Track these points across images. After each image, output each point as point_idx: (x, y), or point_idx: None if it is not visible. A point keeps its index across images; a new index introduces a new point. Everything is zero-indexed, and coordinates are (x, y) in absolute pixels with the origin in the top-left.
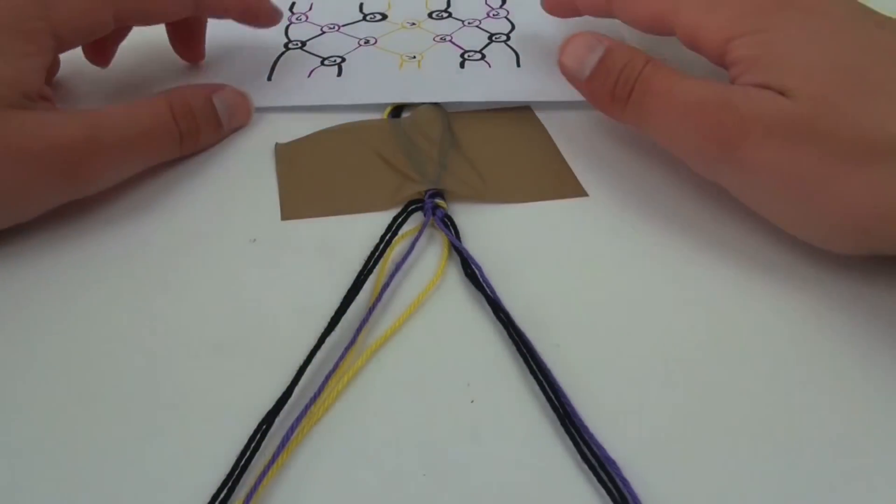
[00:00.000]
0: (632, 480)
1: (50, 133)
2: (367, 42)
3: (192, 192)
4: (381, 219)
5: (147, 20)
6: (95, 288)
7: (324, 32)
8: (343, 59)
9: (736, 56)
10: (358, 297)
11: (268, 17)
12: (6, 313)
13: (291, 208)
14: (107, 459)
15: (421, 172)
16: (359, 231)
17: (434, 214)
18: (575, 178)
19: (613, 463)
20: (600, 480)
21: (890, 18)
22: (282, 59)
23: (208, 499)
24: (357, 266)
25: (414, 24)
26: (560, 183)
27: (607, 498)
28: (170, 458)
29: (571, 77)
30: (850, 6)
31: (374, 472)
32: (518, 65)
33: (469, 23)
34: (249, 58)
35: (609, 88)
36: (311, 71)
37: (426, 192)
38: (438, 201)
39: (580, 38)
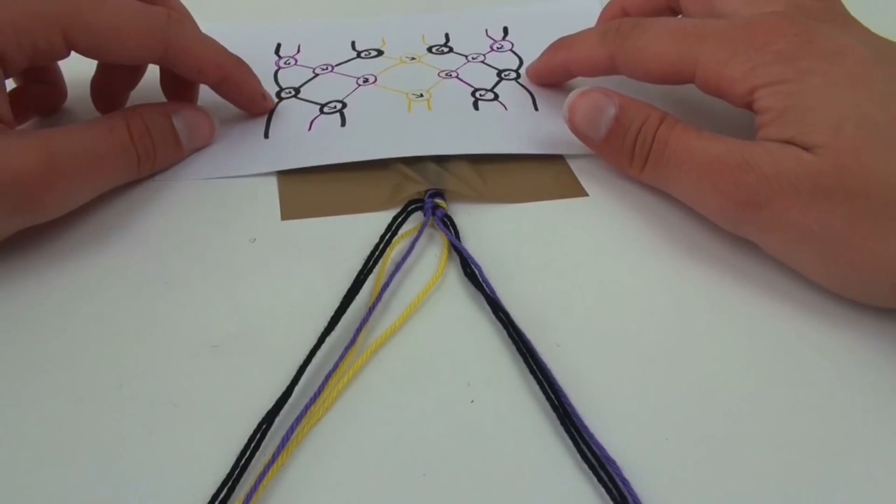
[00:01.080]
0: (632, 480)
1: (3, 161)
2: (366, 81)
3: (192, 192)
4: (381, 219)
5: (106, 56)
6: (95, 288)
7: (317, 75)
8: (344, 104)
9: (762, 106)
10: (358, 297)
11: (251, 96)
12: (9, 314)
13: (291, 208)
14: (107, 459)
15: (421, 172)
16: (359, 231)
17: (434, 214)
18: (575, 178)
19: (613, 463)
20: (600, 480)
21: None
22: (276, 110)
23: (208, 499)
24: (357, 266)
25: (414, 58)
26: (560, 183)
27: (607, 498)
28: (170, 458)
29: (585, 139)
30: (875, 44)
31: (374, 472)
32: (535, 107)
33: (473, 58)
34: (242, 112)
35: (627, 150)
36: (312, 122)
37: (426, 191)
38: (438, 201)
39: (589, 96)
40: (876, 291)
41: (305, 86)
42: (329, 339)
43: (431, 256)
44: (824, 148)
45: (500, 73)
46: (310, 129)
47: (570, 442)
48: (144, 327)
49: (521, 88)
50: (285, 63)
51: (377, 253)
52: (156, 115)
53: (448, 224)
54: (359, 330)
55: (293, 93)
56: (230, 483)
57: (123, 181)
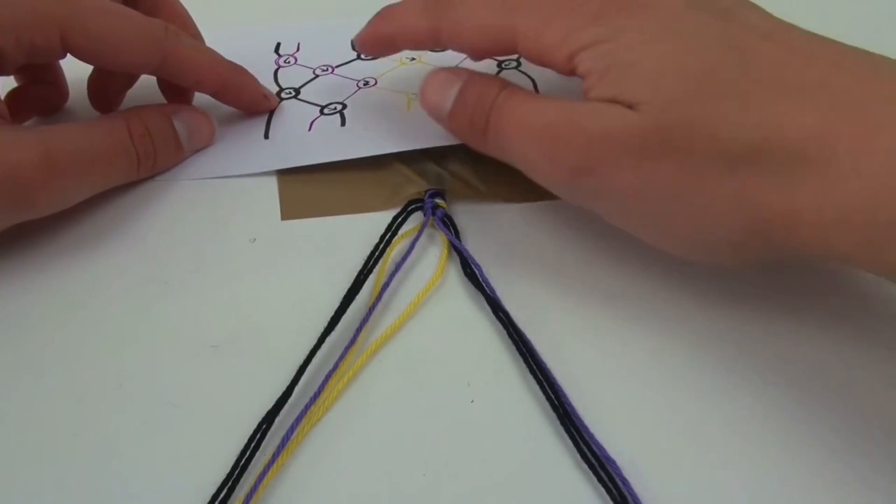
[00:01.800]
0: (632, 480)
1: (0, 155)
2: (366, 83)
3: (191, 192)
4: (381, 219)
5: (102, 62)
6: (95, 288)
7: (317, 76)
8: (344, 106)
9: (583, 70)
10: (358, 297)
11: (252, 100)
12: (9, 313)
13: (291, 208)
14: (107, 459)
15: (421, 172)
16: (359, 231)
17: (434, 214)
18: None
19: (613, 463)
20: (600, 480)
21: (735, 0)
22: (277, 111)
23: (208, 499)
24: (357, 266)
25: (414, 59)
26: None
27: (607, 497)
28: (170, 458)
29: (435, 116)
30: None
31: (374, 471)
32: (536, 90)
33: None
34: (242, 113)
35: (468, 122)
36: (312, 123)
37: (426, 191)
38: (438, 201)
39: (439, 75)
40: (717, 252)
41: (306, 87)
42: (329, 339)
43: (431, 256)
44: (646, 104)
45: (500, 63)
46: (310, 129)
47: (570, 442)
48: (144, 327)
49: (522, 76)
50: (285, 62)
51: (377, 253)
52: (156, 117)
53: (448, 224)
54: (359, 330)
55: (293, 93)
56: (230, 483)
57: (122, 181)
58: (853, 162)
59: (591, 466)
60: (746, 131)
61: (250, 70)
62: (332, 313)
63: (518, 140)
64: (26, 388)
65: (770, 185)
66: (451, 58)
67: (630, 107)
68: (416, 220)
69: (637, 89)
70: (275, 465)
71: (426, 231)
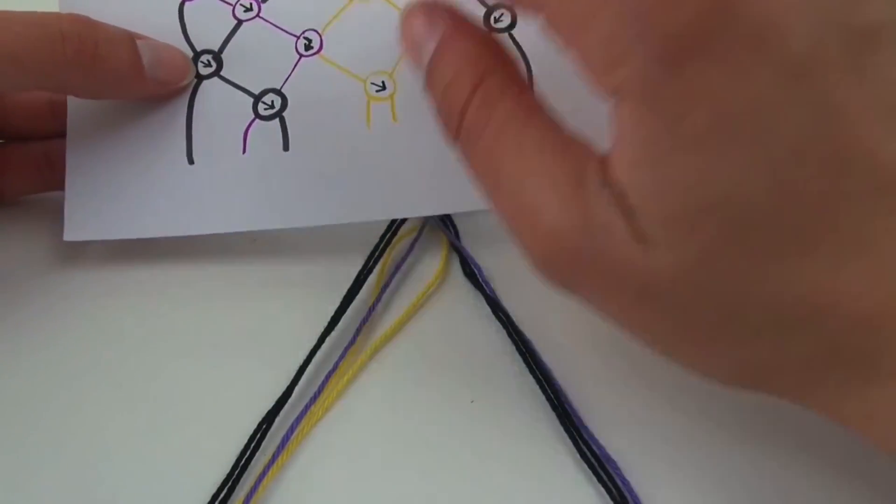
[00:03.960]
0: (631, 480)
1: None
2: (308, 46)
3: None
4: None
5: None
6: (94, 288)
7: (239, 23)
8: (283, 99)
9: (616, 129)
10: (358, 297)
11: (118, 81)
12: (8, 313)
13: None
14: (107, 459)
15: None
16: (359, 231)
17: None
18: None
19: (614, 463)
20: (600, 480)
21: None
22: (198, 100)
23: (208, 499)
24: (357, 266)
25: None
26: None
27: (607, 497)
28: (170, 458)
29: (416, 71)
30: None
31: (374, 472)
32: (529, 76)
33: None
34: (154, 119)
35: (440, 112)
36: (246, 132)
37: None
38: None
39: (415, 20)
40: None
41: (227, 48)
42: (329, 339)
43: (431, 256)
44: (665, 247)
45: (489, 10)
46: (244, 147)
47: (570, 442)
48: (145, 327)
49: (514, 49)
50: None
51: (377, 253)
52: (107, 27)
53: (448, 224)
54: (359, 330)
55: (213, 65)
56: (230, 483)
57: (50, 76)
58: (893, 370)
59: (590, 466)
60: (781, 307)
61: (146, 6)
62: (332, 313)
63: (488, 194)
64: (27, 389)
65: (788, 366)
66: None
67: (643, 239)
68: (416, 219)
69: (660, 224)
70: (275, 465)
71: (426, 231)
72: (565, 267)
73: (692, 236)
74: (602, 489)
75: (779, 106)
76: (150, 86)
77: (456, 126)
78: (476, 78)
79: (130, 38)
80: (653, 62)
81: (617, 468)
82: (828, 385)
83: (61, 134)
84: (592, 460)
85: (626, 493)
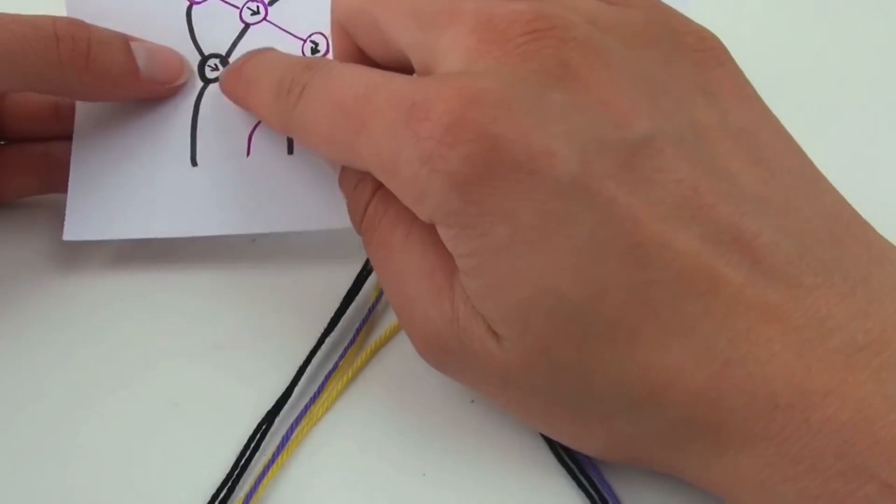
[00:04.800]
0: (612, 483)
1: None
2: (315, 49)
3: None
4: None
5: None
6: (94, 288)
7: (247, 26)
8: None
9: (449, 247)
10: (358, 297)
11: (115, 82)
12: (8, 313)
13: None
14: (107, 459)
15: None
16: None
17: None
18: None
19: (594, 466)
20: (580, 485)
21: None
22: (203, 103)
23: (208, 499)
24: (357, 266)
25: None
26: None
27: (587, 501)
28: (170, 458)
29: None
30: (588, 141)
31: (373, 472)
32: None
33: None
34: (159, 122)
35: (347, 201)
36: (251, 135)
37: None
38: None
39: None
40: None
41: (235, 51)
42: (329, 339)
43: None
44: (510, 343)
45: None
46: (249, 150)
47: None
48: (144, 327)
49: None
50: None
51: None
52: (101, 29)
53: None
54: (359, 329)
55: (221, 69)
56: (230, 483)
57: (45, 78)
58: (744, 436)
59: (570, 471)
60: (625, 387)
61: (154, 10)
62: (332, 313)
63: (380, 280)
64: (26, 388)
65: (650, 440)
66: None
67: (495, 334)
68: None
69: (499, 322)
70: (275, 465)
71: None
72: (439, 354)
73: (527, 331)
74: (583, 493)
75: (564, 217)
76: (145, 85)
77: (360, 219)
78: (377, 182)
79: (124, 40)
80: (448, 193)
81: (597, 470)
82: (689, 456)
83: (62, 137)
84: (572, 464)
85: (607, 496)
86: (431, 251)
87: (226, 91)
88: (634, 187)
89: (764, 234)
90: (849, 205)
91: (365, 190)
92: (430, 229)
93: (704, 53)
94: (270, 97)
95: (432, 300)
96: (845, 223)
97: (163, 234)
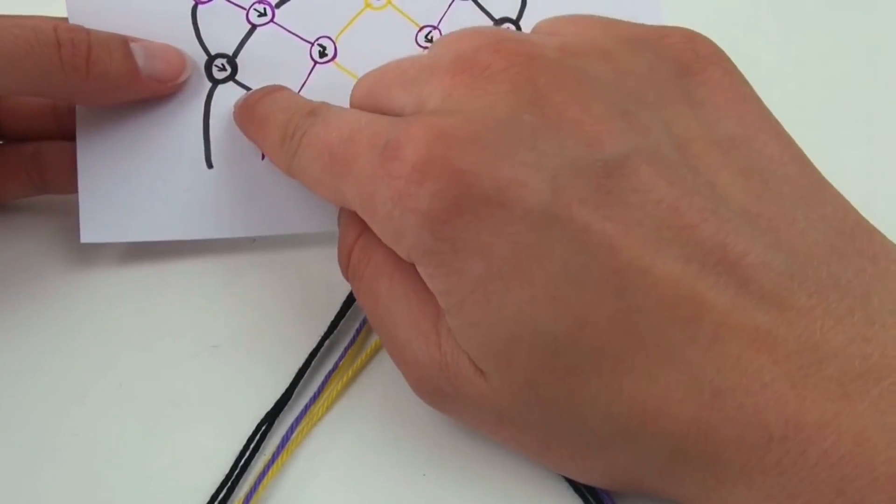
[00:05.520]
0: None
1: None
2: (323, 53)
3: None
4: None
5: None
6: (94, 289)
7: (254, 27)
8: None
9: (430, 286)
10: None
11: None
12: (8, 313)
13: None
14: (107, 459)
15: None
16: None
17: None
18: None
19: None
20: (579, 491)
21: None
22: (214, 106)
23: (208, 499)
24: None
25: None
26: None
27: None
28: (170, 458)
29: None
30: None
31: (374, 472)
32: None
33: None
34: (168, 123)
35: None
36: None
37: None
38: None
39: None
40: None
41: (242, 52)
42: (329, 339)
43: None
44: (497, 378)
45: (496, 24)
46: (263, 154)
47: None
48: (144, 327)
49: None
50: None
51: None
52: (100, 32)
53: None
54: (359, 330)
55: (228, 69)
56: (230, 483)
57: (46, 82)
58: (739, 469)
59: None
60: (616, 418)
61: (159, 10)
62: (332, 314)
63: (371, 323)
64: (26, 388)
65: (647, 469)
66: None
67: (481, 372)
68: None
69: (484, 359)
70: (275, 465)
71: None
72: (435, 396)
73: (511, 366)
74: (577, 496)
75: (538, 248)
76: (147, 85)
77: (345, 264)
78: (358, 230)
79: (123, 41)
80: (421, 232)
81: None
82: (687, 485)
83: (57, 136)
84: None
85: (602, 496)
86: (414, 297)
87: (238, 124)
88: (609, 211)
89: (752, 252)
90: (855, 212)
91: (348, 235)
92: (412, 275)
93: (693, 56)
94: (277, 142)
95: (419, 346)
96: (848, 233)
97: (180, 236)
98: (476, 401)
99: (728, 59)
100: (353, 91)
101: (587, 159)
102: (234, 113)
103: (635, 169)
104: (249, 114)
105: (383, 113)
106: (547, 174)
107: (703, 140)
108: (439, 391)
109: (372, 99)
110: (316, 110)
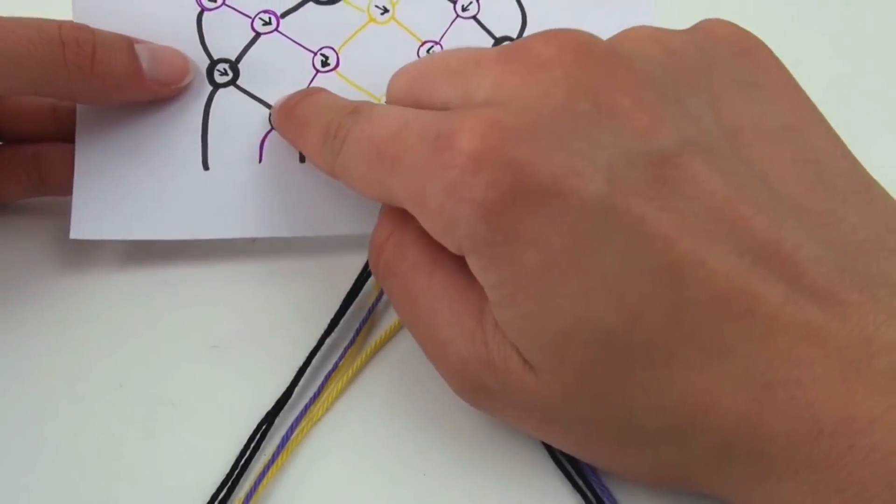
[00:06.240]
0: (612, 487)
1: None
2: (325, 62)
3: None
4: None
5: None
6: (94, 289)
7: (258, 35)
8: None
9: (479, 279)
10: (358, 298)
11: (118, 86)
12: (8, 313)
13: None
14: (107, 459)
15: None
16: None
17: None
18: None
19: (592, 469)
20: (577, 488)
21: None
22: (214, 108)
23: (208, 499)
24: (357, 266)
25: (387, 10)
26: None
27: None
28: (170, 458)
29: None
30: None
31: (374, 472)
32: None
33: (465, 7)
34: (167, 124)
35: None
36: (262, 143)
37: None
38: None
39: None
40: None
41: (245, 58)
42: (329, 339)
43: None
44: (548, 374)
45: (496, 42)
46: (261, 157)
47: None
48: (144, 327)
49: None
50: (211, 0)
51: None
52: (105, 33)
53: None
54: (359, 330)
55: (230, 74)
56: (230, 483)
57: (48, 76)
58: (787, 463)
59: (567, 475)
60: (666, 411)
61: (164, 14)
62: (332, 313)
63: (406, 324)
64: (26, 388)
65: (694, 464)
66: (438, 14)
67: (531, 367)
68: None
69: (535, 353)
70: (275, 465)
71: None
72: (479, 393)
73: (565, 360)
74: (579, 495)
75: (593, 239)
76: (150, 87)
77: (375, 262)
78: (391, 227)
79: (128, 42)
80: (475, 222)
81: (595, 472)
82: (733, 480)
83: (57, 138)
84: (569, 467)
85: (604, 497)
86: (456, 294)
87: (278, 128)
88: (664, 202)
89: (805, 247)
90: None
91: (381, 233)
92: (452, 271)
93: (746, 40)
94: (319, 141)
95: (465, 343)
96: None
97: (172, 235)
98: (523, 397)
99: (777, 57)
100: (390, 86)
101: (641, 150)
102: (272, 116)
103: (689, 160)
104: (289, 115)
105: (425, 108)
106: (602, 164)
107: (755, 129)
108: (484, 388)
109: (413, 94)
110: (359, 109)
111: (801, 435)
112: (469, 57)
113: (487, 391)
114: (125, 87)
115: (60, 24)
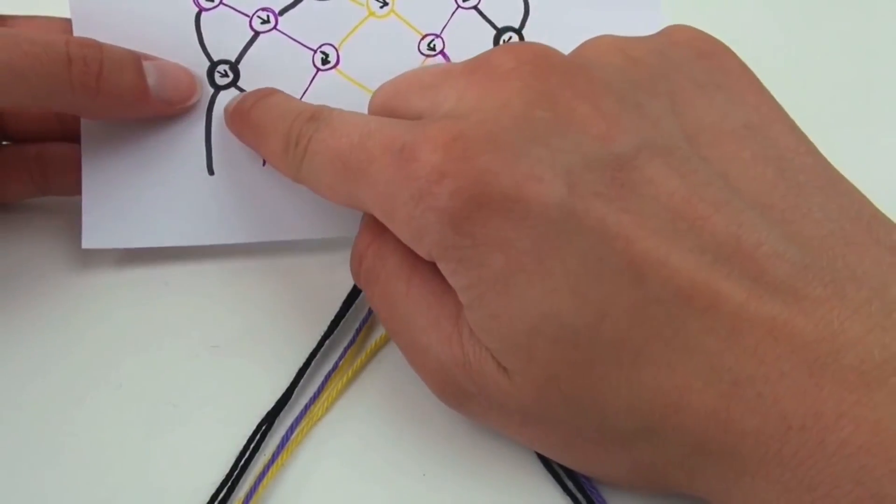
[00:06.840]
0: (602, 490)
1: None
2: (325, 60)
3: None
4: None
5: None
6: (95, 287)
7: (257, 34)
8: None
9: (452, 283)
10: (358, 298)
11: (125, 101)
12: (8, 313)
13: None
14: (107, 459)
15: None
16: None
17: None
18: None
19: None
20: (568, 492)
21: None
22: (215, 117)
23: (208, 499)
24: None
25: (386, 3)
26: None
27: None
28: (170, 458)
29: None
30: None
31: (373, 471)
32: None
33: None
34: (171, 130)
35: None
36: None
37: None
38: None
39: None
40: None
41: (244, 59)
42: (329, 339)
43: None
44: (519, 376)
45: (498, 33)
46: (264, 160)
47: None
48: (144, 327)
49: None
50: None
51: None
52: (113, 49)
53: None
54: (359, 330)
55: (230, 76)
56: (230, 483)
57: (51, 89)
58: (758, 460)
59: (558, 479)
60: (638, 411)
61: (162, 16)
62: (332, 314)
63: (386, 329)
64: (27, 388)
65: (670, 465)
66: (437, 7)
67: (504, 369)
68: None
69: (505, 354)
70: (275, 465)
71: None
72: (459, 397)
73: (533, 359)
74: (570, 501)
75: (556, 241)
76: (155, 106)
77: (357, 269)
78: (371, 235)
79: (136, 60)
80: (442, 228)
81: (588, 479)
82: (709, 479)
83: (60, 138)
84: (561, 472)
85: (595, 499)
86: (433, 299)
87: (233, 131)
88: (624, 204)
89: (766, 243)
90: (870, 205)
91: (361, 241)
92: (429, 278)
93: (708, 44)
94: (280, 149)
95: (442, 348)
96: (865, 225)
97: (181, 242)
98: (500, 400)
99: (739, 58)
100: (370, 102)
101: (599, 154)
102: (225, 118)
103: (647, 162)
104: (244, 120)
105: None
106: (562, 170)
107: (716, 129)
108: (463, 392)
109: (389, 108)
110: (316, 115)
111: (770, 431)
112: (440, 71)
113: (467, 395)
114: (130, 106)
115: (68, 40)
